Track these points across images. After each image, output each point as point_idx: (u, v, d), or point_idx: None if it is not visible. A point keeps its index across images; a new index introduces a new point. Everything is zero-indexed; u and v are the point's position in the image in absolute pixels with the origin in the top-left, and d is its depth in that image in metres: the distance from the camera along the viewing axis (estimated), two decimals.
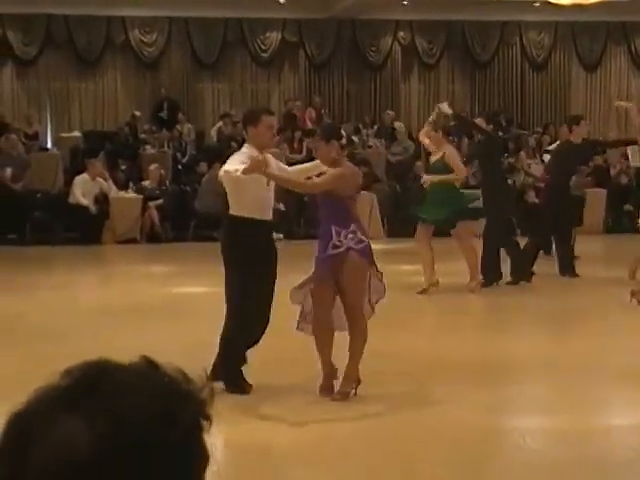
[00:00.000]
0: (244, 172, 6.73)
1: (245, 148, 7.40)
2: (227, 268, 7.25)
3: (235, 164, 7.02)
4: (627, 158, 19.33)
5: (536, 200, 19.40)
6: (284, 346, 8.10)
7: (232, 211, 7.30)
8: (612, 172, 20.47)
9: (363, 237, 7.10)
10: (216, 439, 1.24)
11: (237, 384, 7.13)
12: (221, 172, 7.27)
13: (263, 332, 7.31)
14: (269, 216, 7.38)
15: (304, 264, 14.27)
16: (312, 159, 8.15)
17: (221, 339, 7.27)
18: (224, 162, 7.50)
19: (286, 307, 7.32)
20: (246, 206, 7.18)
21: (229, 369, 7.18)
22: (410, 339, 8.81)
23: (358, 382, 7.12)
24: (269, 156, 7.49)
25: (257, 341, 7.36)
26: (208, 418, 1.21)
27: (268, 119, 7.39)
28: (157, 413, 1.15)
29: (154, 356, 1.23)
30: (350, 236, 7.05)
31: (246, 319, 7.17)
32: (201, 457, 1.21)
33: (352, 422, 6.54)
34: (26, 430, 1.15)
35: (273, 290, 7.33)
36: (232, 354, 7.24)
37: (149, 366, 1.21)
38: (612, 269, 13.99)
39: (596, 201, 19.45)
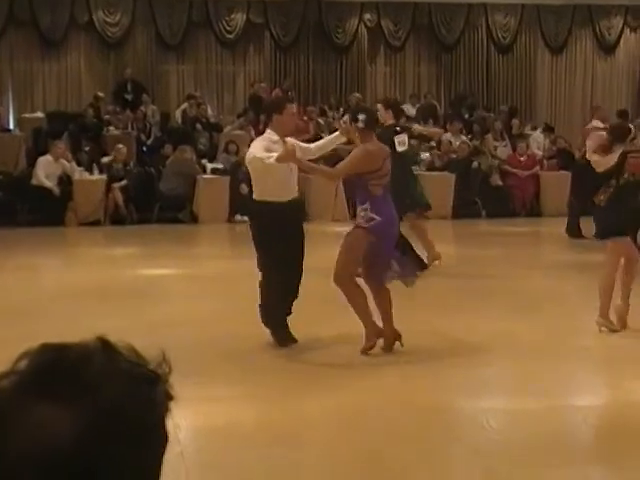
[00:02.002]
0: (278, 160, 7.27)
1: (268, 134, 7.80)
2: (259, 251, 7.88)
3: (261, 150, 7.51)
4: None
5: (500, 183, 19.48)
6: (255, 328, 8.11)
7: (257, 196, 7.82)
8: (577, 155, 20.54)
9: (374, 215, 7.46)
10: (179, 420, 1.21)
11: (285, 340, 7.93)
12: (249, 157, 7.67)
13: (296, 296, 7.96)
14: (294, 194, 7.95)
15: None
16: None
17: (262, 307, 7.99)
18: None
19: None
20: (272, 190, 7.68)
21: (277, 330, 7.94)
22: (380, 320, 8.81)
23: (378, 336, 7.75)
24: (293, 140, 7.96)
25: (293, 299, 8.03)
26: (172, 398, 1.20)
27: (292, 107, 7.93)
28: (134, 397, 1.15)
29: (118, 337, 1.21)
30: (362, 214, 7.56)
31: (282, 289, 7.84)
32: (166, 439, 1.20)
33: (317, 400, 6.53)
34: None
35: (302, 258, 7.97)
36: (274, 319, 7.95)
37: (105, 346, 1.19)
38: (574, 251, 14.08)
39: (561, 183, 19.53)
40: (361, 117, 7.55)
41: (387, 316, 7.83)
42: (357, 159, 7.56)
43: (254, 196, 7.89)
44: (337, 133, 8.14)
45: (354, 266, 7.68)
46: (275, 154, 7.34)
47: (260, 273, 8.03)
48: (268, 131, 7.86)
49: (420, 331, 8.53)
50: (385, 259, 7.75)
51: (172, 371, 1.22)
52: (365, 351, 7.72)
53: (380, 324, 7.86)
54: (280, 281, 7.85)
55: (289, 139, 7.78)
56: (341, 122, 8.68)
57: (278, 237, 7.72)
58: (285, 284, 7.87)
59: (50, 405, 1.11)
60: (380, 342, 7.85)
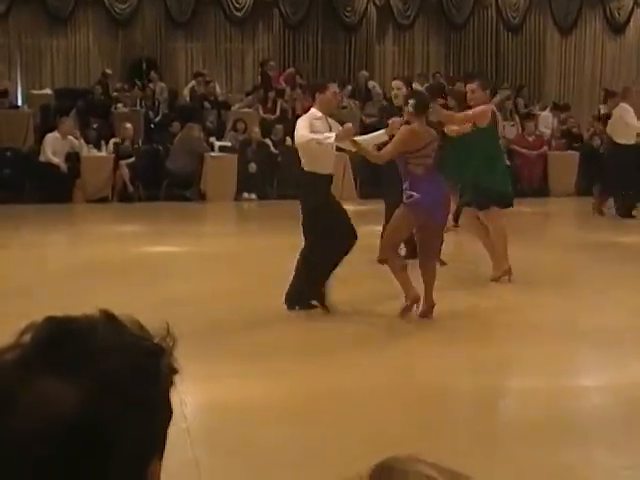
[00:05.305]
0: (337, 139, 8.03)
1: (312, 111, 8.44)
2: (306, 217, 8.37)
3: (307, 130, 8.14)
4: (599, 119, 19.31)
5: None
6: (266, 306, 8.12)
7: (310, 168, 8.36)
8: (585, 135, 20.52)
9: (412, 192, 8.12)
10: (185, 396, 1.22)
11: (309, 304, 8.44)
12: (302, 138, 8.18)
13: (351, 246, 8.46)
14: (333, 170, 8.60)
15: (277, 224, 14.28)
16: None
17: (297, 269, 8.41)
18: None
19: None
20: (322, 165, 8.31)
21: (306, 290, 8.39)
22: (385, 299, 8.83)
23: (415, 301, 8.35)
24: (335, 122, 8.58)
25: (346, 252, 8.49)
26: (176, 372, 1.21)
27: (333, 86, 8.62)
28: (138, 369, 1.15)
29: (123, 313, 1.21)
30: (405, 192, 8.22)
31: (322, 251, 8.28)
32: (170, 412, 1.20)
33: (324, 377, 6.54)
34: (3, 387, 1.12)
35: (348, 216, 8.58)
36: (308, 279, 8.35)
37: (109, 319, 1.20)
38: (584, 230, 14.07)
39: (569, 164, 19.51)
40: (410, 102, 8.25)
41: (428, 287, 8.32)
42: (401, 140, 8.16)
43: (306, 168, 8.41)
44: (382, 132, 8.70)
45: (397, 238, 8.52)
46: (332, 134, 8.04)
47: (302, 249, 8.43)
48: (312, 109, 8.47)
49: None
50: (433, 233, 8.31)
51: (176, 345, 1.22)
52: (404, 311, 8.35)
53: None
54: (325, 252, 8.27)
55: (348, 124, 8.39)
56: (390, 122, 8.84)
57: (327, 203, 8.33)
58: (328, 255, 8.31)
59: (54, 377, 1.11)
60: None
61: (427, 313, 8.35)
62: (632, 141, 15.41)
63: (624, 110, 15.35)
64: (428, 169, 8.25)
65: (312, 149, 8.20)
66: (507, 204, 10.36)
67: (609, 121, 16.02)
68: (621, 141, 15.35)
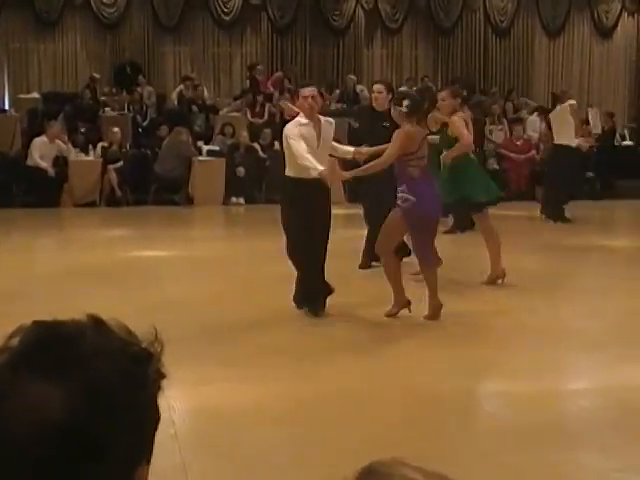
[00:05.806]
0: (320, 175, 7.83)
1: (299, 116, 8.44)
2: (288, 222, 8.27)
3: (300, 143, 8.08)
4: (588, 123, 19.42)
5: (496, 166, 19.47)
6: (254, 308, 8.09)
7: (290, 173, 8.29)
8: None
9: (409, 196, 8.07)
10: (173, 402, 1.21)
11: (318, 306, 8.41)
12: (298, 154, 8.00)
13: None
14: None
15: (265, 228, 14.26)
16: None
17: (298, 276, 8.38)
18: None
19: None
20: (302, 167, 8.05)
21: (310, 293, 8.38)
22: (377, 302, 8.82)
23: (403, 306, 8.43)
24: (325, 123, 8.50)
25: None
26: (164, 377, 1.20)
27: (304, 91, 8.56)
28: (126, 374, 1.15)
29: (111, 317, 1.20)
30: (399, 195, 8.18)
31: (310, 254, 8.27)
32: (158, 417, 1.19)
33: (313, 382, 6.53)
34: None
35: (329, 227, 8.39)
36: (308, 282, 8.34)
37: (97, 324, 1.19)
38: (571, 234, 14.10)
39: None
40: (405, 103, 8.14)
41: (430, 288, 8.32)
42: (399, 145, 8.07)
43: (288, 173, 8.35)
44: (352, 150, 8.85)
45: (391, 240, 8.34)
46: (320, 167, 7.86)
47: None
48: (300, 114, 8.48)
49: (418, 312, 8.53)
50: (425, 238, 8.24)
51: (164, 349, 1.22)
52: (389, 315, 8.38)
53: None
54: (309, 247, 8.25)
55: (331, 160, 8.28)
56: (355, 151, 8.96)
57: (299, 210, 8.15)
58: (313, 249, 8.28)
59: (42, 381, 1.11)
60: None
61: (434, 316, 8.32)
62: (571, 143, 15.54)
63: (556, 113, 15.67)
64: (423, 170, 8.23)
65: (290, 151, 8.20)
66: (492, 202, 10.53)
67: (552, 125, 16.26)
68: (560, 142, 15.52)
